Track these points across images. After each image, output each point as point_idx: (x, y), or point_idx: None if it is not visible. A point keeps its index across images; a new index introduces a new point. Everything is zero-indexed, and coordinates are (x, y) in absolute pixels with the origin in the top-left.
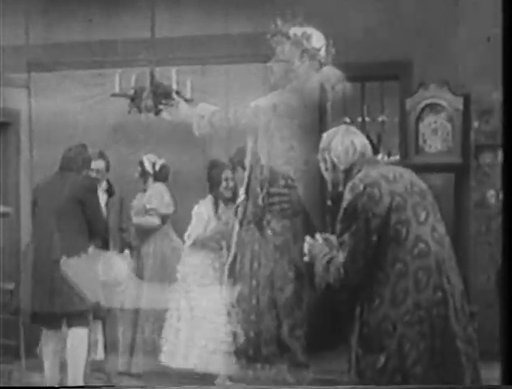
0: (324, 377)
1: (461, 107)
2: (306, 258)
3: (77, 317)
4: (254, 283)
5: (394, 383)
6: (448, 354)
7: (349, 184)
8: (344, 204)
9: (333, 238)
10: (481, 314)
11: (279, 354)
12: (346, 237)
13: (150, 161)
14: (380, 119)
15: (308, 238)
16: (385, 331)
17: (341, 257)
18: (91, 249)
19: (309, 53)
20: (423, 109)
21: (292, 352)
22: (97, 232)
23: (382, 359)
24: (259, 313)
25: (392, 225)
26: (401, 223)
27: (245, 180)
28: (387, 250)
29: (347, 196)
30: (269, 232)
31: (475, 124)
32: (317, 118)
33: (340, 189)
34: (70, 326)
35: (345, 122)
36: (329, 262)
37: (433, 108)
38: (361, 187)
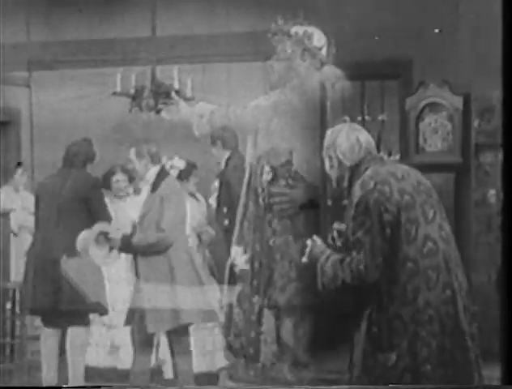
0: (325, 376)
1: (461, 106)
2: (305, 259)
3: (77, 316)
4: (255, 283)
5: (404, 382)
6: (457, 352)
7: (358, 181)
8: (355, 200)
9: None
10: (481, 314)
11: (279, 354)
12: (360, 234)
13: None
14: (380, 118)
15: (309, 241)
16: (395, 330)
17: (359, 255)
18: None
19: (310, 52)
20: (423, 109)
21: (293, 351)
22: None
23: (394, 357)
24: (260, 313)
25: (403, 224)
26: (410, 222)
27: (246, 179)
28: (397, 249)
29: (358, 192)
30: (270, 231)
31: (476, 123)
32: (317, 117)
33: (345, 185)
34: (70, 325)
35: (345, 121)
36: (341, 261)
37: (433, 107)
38: (372, 184)
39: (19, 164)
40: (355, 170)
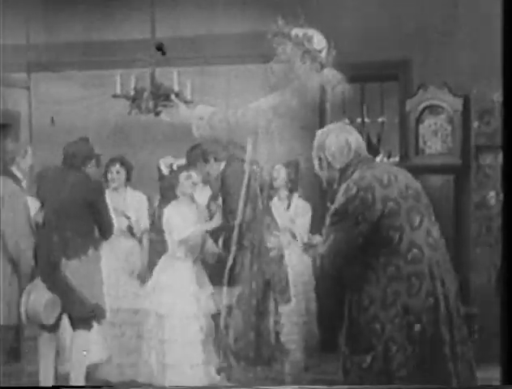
0: (325, 377)
1: (461, 108)
2: (273, 253)
3: (80, 319)
4: (254, 285)
5: (379, 384)
6: (434, 360)
7: (343, 186)
8: (336, 205)
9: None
10: (481, 315)
11: (279, 355)
12: (331, 230)
13: (166, 164)
14: (380, 120)
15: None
16: (373, 332)
17: (322, 248)
18: (90, 251)
19: (310, 54)
20: (423, 110)
21: (292, 353)
22: (105, 232)
23: (368, 359)
24: (259, 315)
25: (383, 231)
26: (394, 229)
27: (245, 182)
28: (379, 254)
29: (340, 198)
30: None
31: (475, 125)
32: (317, 119)
33: (335, 187)
34: (74, 328)
35: (345, 123)
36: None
37: (432, 109)
38: (354, 190)
39: None
40: (343, 172)
